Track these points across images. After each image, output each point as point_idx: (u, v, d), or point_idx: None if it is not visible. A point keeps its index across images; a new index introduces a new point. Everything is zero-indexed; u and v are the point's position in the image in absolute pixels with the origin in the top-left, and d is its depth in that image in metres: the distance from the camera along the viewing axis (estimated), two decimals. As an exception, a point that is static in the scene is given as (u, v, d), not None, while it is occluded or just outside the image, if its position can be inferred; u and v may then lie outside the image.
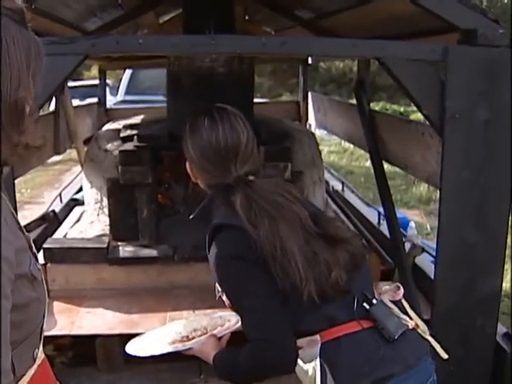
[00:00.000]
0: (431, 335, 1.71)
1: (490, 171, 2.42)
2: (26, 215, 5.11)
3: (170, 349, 2.02)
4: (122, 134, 3.65)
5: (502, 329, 2.69)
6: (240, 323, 1.83)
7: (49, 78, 2.17)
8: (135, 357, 2.09)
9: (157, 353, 2.04)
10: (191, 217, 1.89)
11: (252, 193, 1.65)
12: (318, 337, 1.59)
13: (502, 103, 2.39)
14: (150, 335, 2.29)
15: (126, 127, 3.74)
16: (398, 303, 1.74)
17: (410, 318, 1.70)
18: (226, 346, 1.85)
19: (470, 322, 2.54)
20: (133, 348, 2.15)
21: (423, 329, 1.73)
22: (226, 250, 1.68)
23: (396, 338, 1.58)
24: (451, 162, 2.43)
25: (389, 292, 1.78)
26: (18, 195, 8.55)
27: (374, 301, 1.64)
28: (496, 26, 2.33)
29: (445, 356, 1.77)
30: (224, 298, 1.77)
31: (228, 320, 2.10)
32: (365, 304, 1.62)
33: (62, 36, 2.24)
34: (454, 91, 2.35)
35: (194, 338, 2.06)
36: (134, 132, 3.52)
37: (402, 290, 1.79)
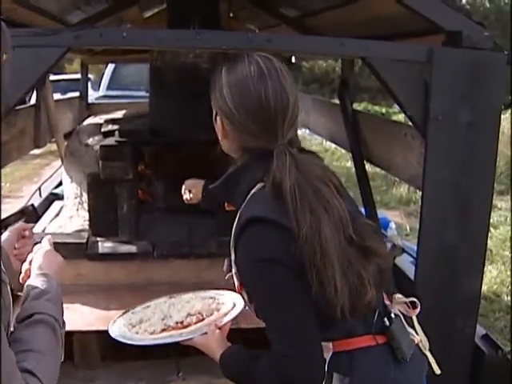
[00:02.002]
0: (429, 350, 1.64)
1: (471, 173, 2.44)
2: (5, 209, 5.05)
3: (165, 338, 1.77)
4: (103, 129, 3.62)
5: (480, 330, 2.70)
6: (237, 308, 1.78)
7: (30, 70, 2.16)
8: (121, 343, 1.81)
9: (150, 342, 1.78)
10: (212, 186, 1.67)
11: (297, 171, 1.40)
12: (330, 345, 1.45)
13: (484, 105, 2.40)
14: (134, 316, 1.99)
15: (108, 122, 3.72)
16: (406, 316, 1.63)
17: (416, 333, 1.61)
18: (227, 337, 1.69)
19: (450, 323, 2.55)
20: (118, 332, 1.87)
21: (424, 344, 1.62)
22: (260, 250, 1.40)
23: (407, 360, 1.48)
24: (433, 164, 2.44)
25: (401, 303, 1.63)
26: (-4, 189, 8.50)
27: (393, 315, 1.52)
28: (481, 28, 2.35)
29: (438, 372, 1.66)
30: (236, 280, 1.56)
31: (222, 303, 1.94)
32: (385, 319, 1.50)
33: (45, 27, 2.20)
34: (438, 93, 2.36)
35: (189, 324, 1.82)
36: (116, 127, 3.48)
37: (418, 309, 1.63)
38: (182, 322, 1.86)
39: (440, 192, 2.44)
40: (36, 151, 4.52)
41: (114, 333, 1.86)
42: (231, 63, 1.51)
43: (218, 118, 1.54)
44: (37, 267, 1.40)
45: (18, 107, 2.67)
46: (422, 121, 2.40)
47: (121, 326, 1.93)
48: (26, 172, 9.82)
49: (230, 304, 1.89)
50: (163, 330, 1.84)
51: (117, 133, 3.38)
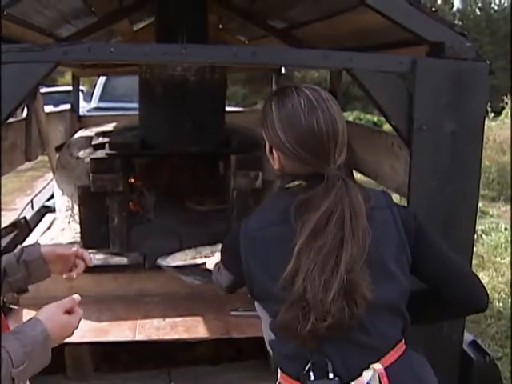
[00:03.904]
0: None
1: (456, 182, 2.47)
2: (-1, 221, 5.05)
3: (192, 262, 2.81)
4: (93, 142, 3.64)
5: (468, 337, 2.72)
6: None
7: (20, 85, 2.19)
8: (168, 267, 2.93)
9: (181, 263, 2.87)
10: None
11: (346, 193, 1.47)
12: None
13: (468, 115, 2.44)
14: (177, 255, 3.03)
15: (98, 134, 3.73)
16: None
17: None
18: None
19: (437, 329, 2.57)
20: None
21: None
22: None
23: None
24: (419, 173, 2.47)
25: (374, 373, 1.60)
26: (-11, 202, 8.48)
27: (331, 375, 1.52)
28: (463, 39, 2.38)
29: None
30: None
31: None
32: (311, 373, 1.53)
33: (34, 43, 2.23)
34: (422, 103, 2.39)
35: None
36: (106, 139, 3.51)
37: None
38: (206, 256, 2.76)
39: (426, 201, 2.47)
40: (29, 163, 4.53)
41: (162, 261, 2.99)
42: (280, 97, 1.58)
43: (273, 151, 1.60)
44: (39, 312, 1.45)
45: (8, 121, 2.69)
46: (407, 131, 2.43)
47: (167, 258, 3.00)
48: (19, 184, 9.82)
49: None
50: (192, 259, 2.88)
51: (107, 145, 3.41)
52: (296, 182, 1.56)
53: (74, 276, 1.78)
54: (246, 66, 4.60)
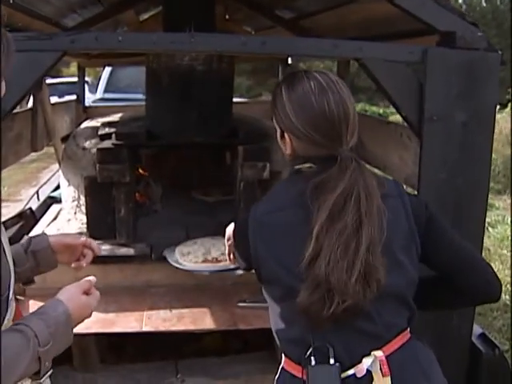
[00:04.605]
0: None
1: (467, 173, 2.45)
2: (3, 213, 5.03)
3: (202, 267, 2.96)
4: (100, 132, 3.62)
5: (477, 329, 2.70)
6: None
7: (26, 75, 2.17)
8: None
9: (191, 268, 2.99)
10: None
11: (360, 174, 1.48)
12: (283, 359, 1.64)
13: (479, 105, 2.41)
14: (185, 248, 3.14)
15: (105, 125, 3.72)
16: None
17: None
18: None
19: (446, 321, 2.55)
20: (173, 258, 3.06)
21: None
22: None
23: None
24: (429, 164, 2.45)
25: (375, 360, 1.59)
26: (-6, 193, 8.52)
27: (332, 360, 1.52)
28: (474, 28, 2.35)
29: None
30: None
31: None
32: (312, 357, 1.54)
33: (41, 32, 2.21)
34: (433, 93, 2.36)
35: (221, 261, 2.93)
36: (112, 130, 3.49)
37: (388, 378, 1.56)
38: (217, 258, 2.99)
39: (436, 192, 2.45)
40: (34, 154, 4.52)
41: (171, 258, 3.07)
42: (290, 81, 1.59)
43: (285, 135, 1.59)
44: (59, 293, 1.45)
45: (14, 111, 2.68)
46: (417, 121, 2.41)
47: (176, 254, 3.09)
48: (24, 175, 9.82)
49: None
50: (203, 262, 2.99)
51: (114, 136, 3.39)
52: (307, 165, 1.55)
53: (84, 265, 1.77)
54: (253, 56, 4.57)
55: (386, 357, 1.47)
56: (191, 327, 2.93)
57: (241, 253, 1.70)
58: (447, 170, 2.44)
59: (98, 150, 3.26)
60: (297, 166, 1.59)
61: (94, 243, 1.80)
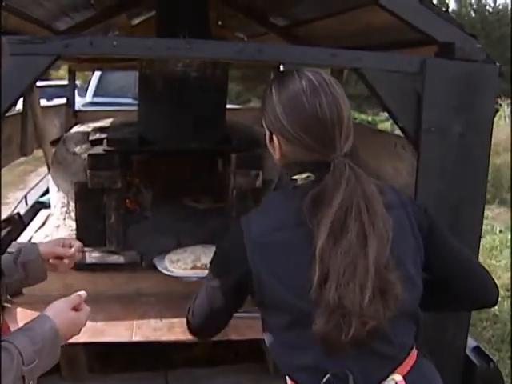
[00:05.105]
0: None
1: (463, 184, 2.43)
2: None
3: (191, 274, 2.96)
4: (90, 137, 3.57)
5: (471, 342, 2.68)
6: None
7: (19, 78, 2.12)
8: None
9: (180, 275, 2.98)
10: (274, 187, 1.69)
11: (356, 183, 1.38)
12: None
13: (477, 117, 2.40)
14: (175, 256, 3.11)
15: (96, 130, 3.67)
16: None
17: None
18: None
19: (441, 332, 2.53)
20: (162, 264, 3.04)
21: None
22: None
23: None
24: (426, 175, 2.42)
25: None
26: (-20, 195, 8.43)
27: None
28: (473, 40, 2.34)
29: None
30: None
31: None
32: None
33: (34, 35, 2.16)
34: (431, 104, 2.35)
35: None
36: (104, 135, 3.44)
37: None
38: (206, 265, 2.90)
39: (432, 203, 2.42)
40: (22, 158, 4.48)
41: (160, 265, 3.05)
42: (280, 80, 1.49)
43: (273, 138, 1.50)
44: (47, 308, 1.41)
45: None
46: (414, 132, 2.39)
47: (165, 261, 3.08)
48: (11, 178, 9.72)
49: None
50: (192, 268, 3.00)
51: (105, 141, 3.34)
52: (304, 175, 1.45)
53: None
54: (248, 63, 4.54)
55: (403, 377, 1.43)
56: (182, 337, 2.87)
57: (224, 283, 1.56)
58: (444, 181, 2.42)
59: (89, 155, 3.21)
60: (293, 177, 1.48)
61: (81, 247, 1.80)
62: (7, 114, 3.33)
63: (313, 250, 1.34)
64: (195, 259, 3.07)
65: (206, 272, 2.63)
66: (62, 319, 1.38)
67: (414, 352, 1.52)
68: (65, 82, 6.30)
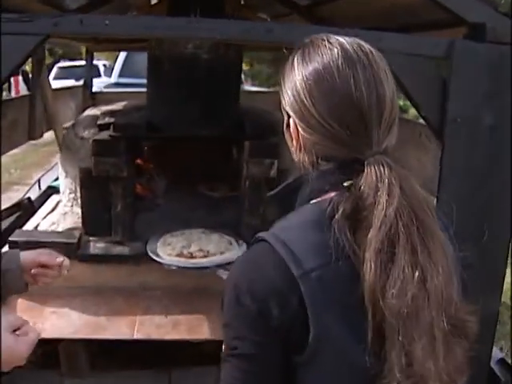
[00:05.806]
0: None
1: (493, 182, 2.19)
2: (13, 197, 4.98)
3: (174, 261, 2.83)
4: (98, 122, 3.41)
5: (496, 354, 2.47)
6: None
7: (7, 59, 1.95)
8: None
9: (161, 261, 2.85)
10: (270, 193, 1.22)
11: (400, 191, 1.03)
12: None
13: (510, 108, 2.15)
14: (171, 238, 3.00)
15: (105, 114, 3.51)
16: None
17: None
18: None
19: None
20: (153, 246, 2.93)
21: None
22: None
23: None
24: (451, 169, 2.19)
25: None
26: (6, 175, 8.41)
27: None
28: (507, 20, 2.09)
29: None
30: None
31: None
32: None
33: (22, 14, 2.00)
34: (458, 92, 2.10)
35: (195, 257, 2.82)
36: (112, 120, 3.28)
37: None
38: (192, 254, 2.87)
39: (457, 202, 2.18)
40: (48, 138, 4.39)
41: (150, 246, 2.96)
42: (305, 49, 1.16)
43: (290, 122, 1.15)
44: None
45: (10, 97, 2.49)
46: (439, 123, 2.15)
47: (159, 242, 3.02)
48: (36, 158, 9.70)
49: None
50: (177, 255, 2.88)
51: (112, 126, 3.18)
52: (346, 183, 1.07)
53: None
54: (262, 45, 4.35)
55: None
56: (186, 336, 2.72)
57: (267, 350, 1.06)
58: (471, 178, 2.18)
59: (94, 141, 3.06)
60: (313, 179, 1.12)
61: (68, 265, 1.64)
62: (12, 97, 3.19)
63: (361, 292, 0.99)
64: (186, 245, 2.96)
65: (190, 261, 2.58)
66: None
67: None
68: (95, 62, 6.17)
